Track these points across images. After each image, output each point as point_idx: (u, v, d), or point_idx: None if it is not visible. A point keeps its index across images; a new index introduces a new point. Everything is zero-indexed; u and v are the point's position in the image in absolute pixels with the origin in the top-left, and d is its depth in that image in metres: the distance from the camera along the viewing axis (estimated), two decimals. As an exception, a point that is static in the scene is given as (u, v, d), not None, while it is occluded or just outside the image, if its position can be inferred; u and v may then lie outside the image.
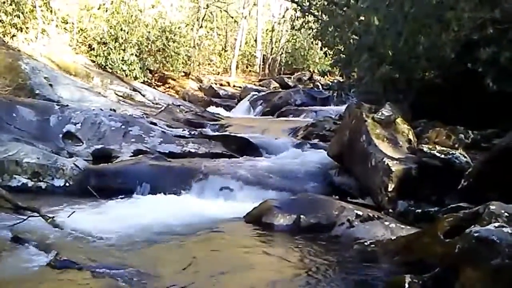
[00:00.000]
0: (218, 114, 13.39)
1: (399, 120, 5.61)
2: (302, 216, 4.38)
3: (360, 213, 4.26)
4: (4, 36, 12.59)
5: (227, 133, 9.44)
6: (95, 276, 3.05)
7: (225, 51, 25.06)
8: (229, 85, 20.94)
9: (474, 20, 5.84)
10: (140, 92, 13.62)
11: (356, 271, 3.31)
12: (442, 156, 4.80)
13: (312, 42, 20.75)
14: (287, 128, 10.05)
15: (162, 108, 11.69)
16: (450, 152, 4.85)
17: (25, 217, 4.20)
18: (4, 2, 12.61)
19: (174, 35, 17.41)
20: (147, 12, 16.88)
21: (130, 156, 6.90)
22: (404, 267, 3.12)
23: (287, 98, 15.12)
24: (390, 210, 4.67)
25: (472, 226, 2.79)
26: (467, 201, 4.12)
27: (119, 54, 14.78)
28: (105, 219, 4.41)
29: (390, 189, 4.74)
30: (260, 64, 25.50)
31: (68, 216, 4.32)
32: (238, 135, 8.64)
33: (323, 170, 6.05)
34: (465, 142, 5.72)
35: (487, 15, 5.73)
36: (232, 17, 26.92)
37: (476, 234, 2.58)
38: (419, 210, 4.53)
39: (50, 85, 10.34)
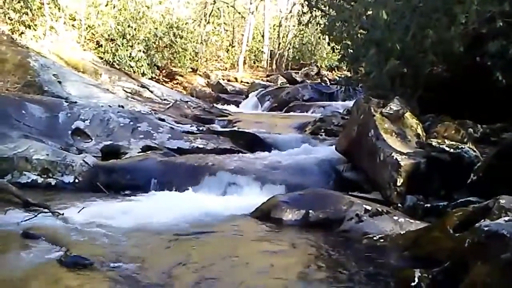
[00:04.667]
0: (226, 109, 13.35)
1: (407, 114, 5.59)
2: (310, 211, 4.39)
3: (368, 207, 4.26)
4: (12, 34, 12.64)
5: (235, 128, 9.42)
6: (104, 272, 3.07)
7: (233, 46, 24.94)
8: (236, 80, 20.87)
9: (482, 13, 5.81)
10: (148, 89, 13.60)
11: (365, 265, 3.31)
12: (451, 150, 4.78)
13: (319, 37, 20.67)
14: (295, 124, 10.02)
15: (170, 104, 11.67)
16: (459, 147, 4.83)
17: (35, 214, 4.24)
18: (12, 0, 12.65)
19: (182, 31, 17.36)
20: (155, 8, 16.87)
21: (139, 152, 6.92)
22: (413, 262, 3.12)
23: (295, 94, 15.07)
24: (399, 205, 4.67)
25: (482, 220, 2.79)
26: (477, 195, 4.12)
27: (127, 50, 14.79)
28: (114, 215, 4.43)
29: (398, 183, 4.74)
30: (267, 60, 25.36)
31: (78, 212, 4.36)
32: (246, 130, 8.62)
33: (331, 165, 6.04)
34: (474, 136, 5.70)
35: (496, 8, 5.69)
36: (239, 13, 26.81)
37: (485, 228, 2.57)
38: (428, 205, 4.53)
39: (59, 82, 10.36)
